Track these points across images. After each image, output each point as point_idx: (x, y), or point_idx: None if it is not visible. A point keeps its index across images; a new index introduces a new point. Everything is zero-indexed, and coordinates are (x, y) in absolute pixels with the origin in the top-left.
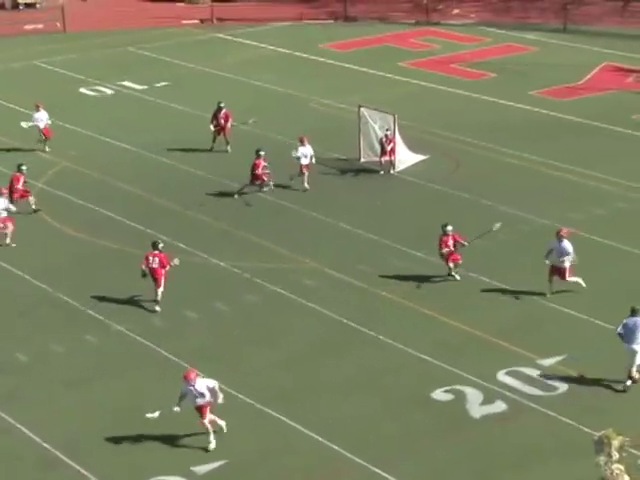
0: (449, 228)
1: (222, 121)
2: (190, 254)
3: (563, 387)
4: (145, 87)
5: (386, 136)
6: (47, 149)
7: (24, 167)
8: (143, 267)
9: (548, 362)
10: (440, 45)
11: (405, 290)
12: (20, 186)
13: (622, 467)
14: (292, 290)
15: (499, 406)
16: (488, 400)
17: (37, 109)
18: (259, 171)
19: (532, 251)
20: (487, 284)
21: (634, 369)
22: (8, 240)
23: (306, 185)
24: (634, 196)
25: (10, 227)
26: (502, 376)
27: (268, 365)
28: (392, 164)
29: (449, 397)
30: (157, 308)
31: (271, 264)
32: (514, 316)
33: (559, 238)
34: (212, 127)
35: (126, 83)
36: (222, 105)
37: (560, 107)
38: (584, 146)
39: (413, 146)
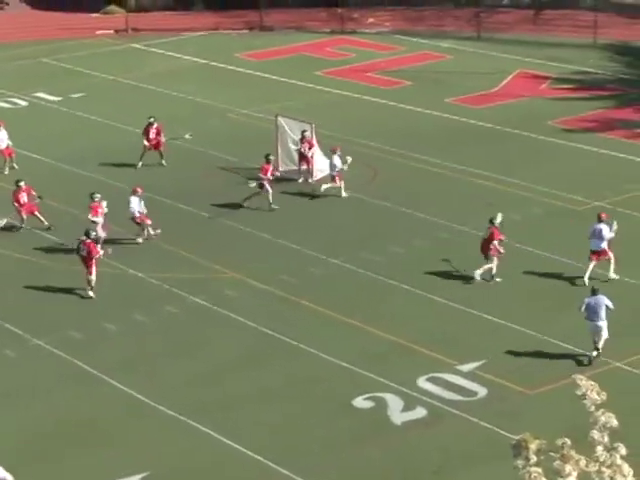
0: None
1: (155, 135)
2: (108, 265)
3: (482, 392)
4: (60, 98)
5: (303, 137)
6: (15, 166)
7: (22, 183)
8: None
9: (467, 368)
10: (355, 54)
11: (326, 299)
12: (24, 202)
13: (540, 470)
14: (213, 301)
15: (420, 412)
16: (409, 406)
17: None
18: (267, 176)
19: (451, 258)
20: (407, 291)
21: (601, 343)
22: (152, 231)
23: (344, 194)
24: (549, 201)
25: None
26: (422, 382)
27: (190, 377)
28: (310, 173)
29: (370, 404)
30: (90, 294)
31: (191, 275)
32: (433, 323)
33: (600, 221)
34: (146, 142)
35: (40, 94)
36: (152, 120)
37: (476, 114)
38: (500, 152)
39: (330, 155)
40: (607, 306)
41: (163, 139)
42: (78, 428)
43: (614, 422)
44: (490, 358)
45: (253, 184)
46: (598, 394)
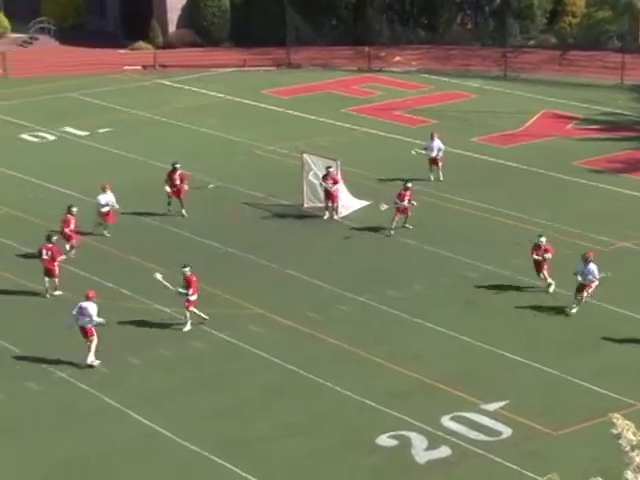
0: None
1: (177, 182)
2: (134, 300)
3: (507, 432)
4: (87, 133)
5: (328, 173)
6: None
7: (74, 209)
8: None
9: (492, 407)
10: (382, 92)
11: (350, 336)
12: (72, 227)
13: None
14: (238, 336)
15: (444, 451)
16: (433, 445)
17: None
18: (404, 203)
19: (477, 297)
20: (431, 329)
21: None
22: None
23: (441, 177)
24: (575, 242)
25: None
26: (447, 421)
27: (214, 412)
28: (335, 210)
29: (394, 442)
30: (57, 292)
31: (216, 310)
32: (458, 361)
33: (585, 261)
34: (167, 188)
35: (68, 129)
36: (177, 166)
37: (501, 153)
38: (526, 192)
39: (356, 192)
40: None
41: (186, 187)
42: (100, 465)
43: None
44: (514, 397)
45: (384, 207)
46: (634, 434)
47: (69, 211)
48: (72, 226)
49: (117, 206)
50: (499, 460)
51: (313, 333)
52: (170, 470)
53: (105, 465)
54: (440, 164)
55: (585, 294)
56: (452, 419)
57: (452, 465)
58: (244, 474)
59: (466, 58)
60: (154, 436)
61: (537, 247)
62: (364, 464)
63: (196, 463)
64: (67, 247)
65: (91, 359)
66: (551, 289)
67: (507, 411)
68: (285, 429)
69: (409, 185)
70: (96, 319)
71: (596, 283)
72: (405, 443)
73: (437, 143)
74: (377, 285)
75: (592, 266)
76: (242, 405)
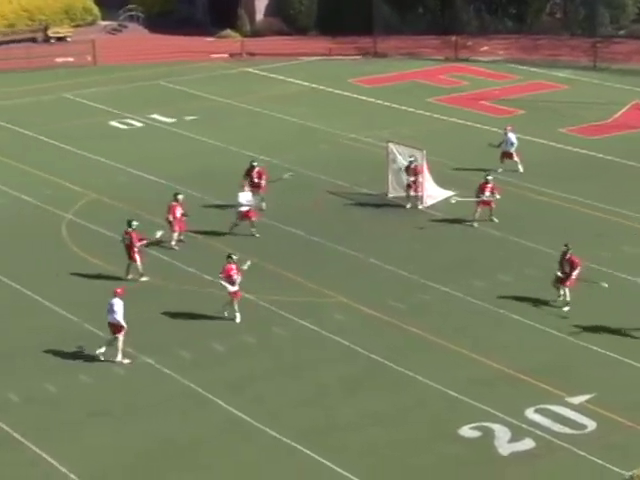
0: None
1: (255, 179)
2: (216, 286)
3: (592, 426)
4: (174, 120)
5: (410, 163)
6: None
7: (180, 196)
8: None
9: (577, 400)
10: (469, 82)
11: (433, 326)
12: (179, 216)
13: None
14: (321, 324)
15: (528, 444)
16: (516, 437)
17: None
18: (486, 194)
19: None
20: (516, 321)
21: None
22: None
23: (520, 169)
24: None
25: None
26: (531, 414)
27: (296, 399)
28: (420, 199)
29: (477, 434)
30: (143, 279)
31: (300, 298)
32: (543, 353)
33: None
34: (246, 187)
35: (155, 116)
36: (255, 164)
37: (590, 145)
38: (614, 184)
39: (441, 182)
40: None
41: (264, 182)
42: (182, 449)
43: None
44: (601, 391)
45: (455, 200)
46: None
47: (175, 198)
48: (178, 214)
49: (260, 204)
50: (583, 454)
51: (396, 322)
52: (251, 456)
53: (186, 449)
54: (515, 157)
55: None
56: (536, 411)
57: (536, 458)
58: (325, 462)
59: (555, 48)
60: (236, 422)
61: (563, 255)
62: (447, 454)
63: (276, 450)
64: (174, 236)
65: (119, 357)
66: (566, 309)
67: (593, 404)
68: (367, 418)
69: (489, 177)
70: (120, 318)
71: None
72: (488, 434)
73: (510, 137)
74: (461, 275)
75: None
76: (324, 393)
